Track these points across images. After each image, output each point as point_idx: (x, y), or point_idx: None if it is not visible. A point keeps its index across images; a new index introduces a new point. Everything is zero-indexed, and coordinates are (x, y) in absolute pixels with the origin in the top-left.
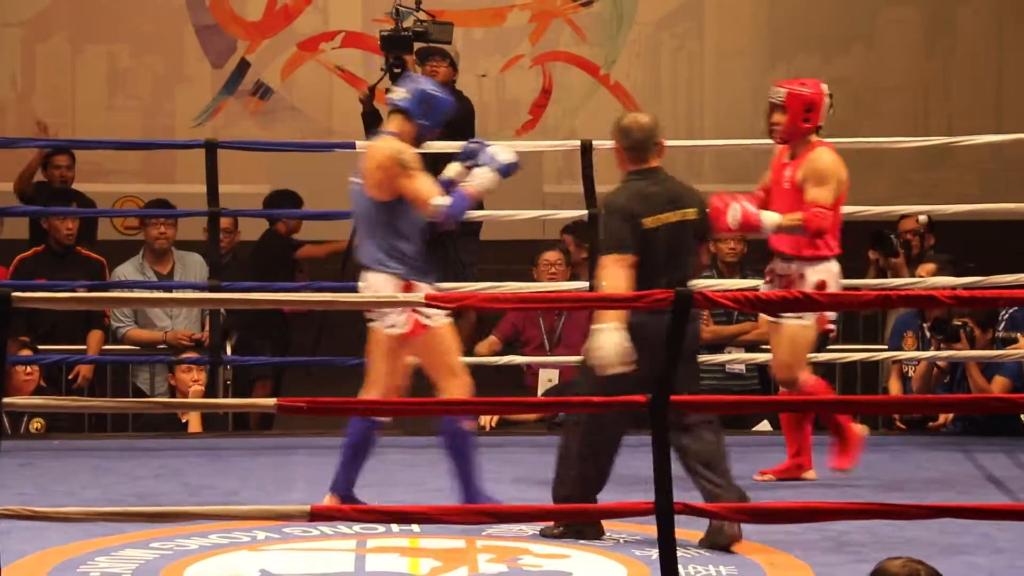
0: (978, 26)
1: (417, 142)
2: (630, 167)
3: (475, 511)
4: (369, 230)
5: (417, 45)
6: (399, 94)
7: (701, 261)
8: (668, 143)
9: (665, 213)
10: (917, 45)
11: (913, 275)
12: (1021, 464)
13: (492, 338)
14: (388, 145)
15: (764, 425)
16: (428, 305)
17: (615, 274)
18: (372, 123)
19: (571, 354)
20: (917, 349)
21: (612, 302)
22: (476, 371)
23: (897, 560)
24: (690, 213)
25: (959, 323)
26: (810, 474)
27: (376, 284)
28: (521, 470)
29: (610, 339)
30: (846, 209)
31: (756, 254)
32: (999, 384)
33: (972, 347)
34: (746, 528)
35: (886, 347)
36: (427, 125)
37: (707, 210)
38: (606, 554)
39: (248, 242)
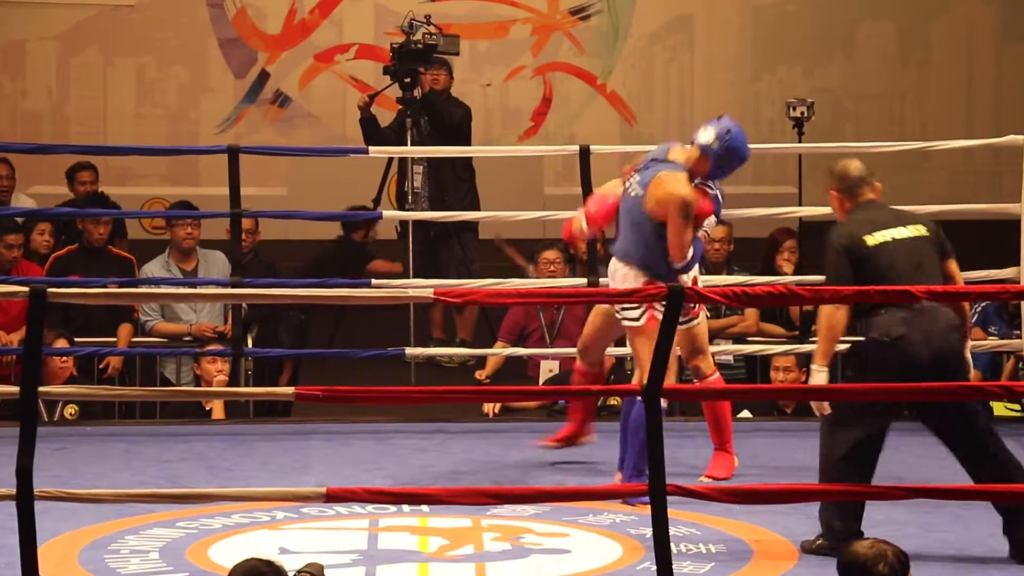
0: (951, 39)
1: (696, 180)
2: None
3: (480, 493)
4: (632, 226)
5: None
6: (707, 136)
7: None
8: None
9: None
10: (894, 56)
11: None
12: None
13: (500, 343)
14: (682, 188)
15: (745, 413)
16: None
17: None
18: (369, 129)
19: (570, 345)
20: None
21: (609, 297)
22: (483, 361)
23: (866, 541)
24: (922, 230)
25: None
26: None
27: (623, 275)
28: (523, 454)
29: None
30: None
31: (743, 252)
32: (972, 377)
33: None
34: (734, 508)
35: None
36: (716, 174)
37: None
38: (603, 532)
39: (268, 241)
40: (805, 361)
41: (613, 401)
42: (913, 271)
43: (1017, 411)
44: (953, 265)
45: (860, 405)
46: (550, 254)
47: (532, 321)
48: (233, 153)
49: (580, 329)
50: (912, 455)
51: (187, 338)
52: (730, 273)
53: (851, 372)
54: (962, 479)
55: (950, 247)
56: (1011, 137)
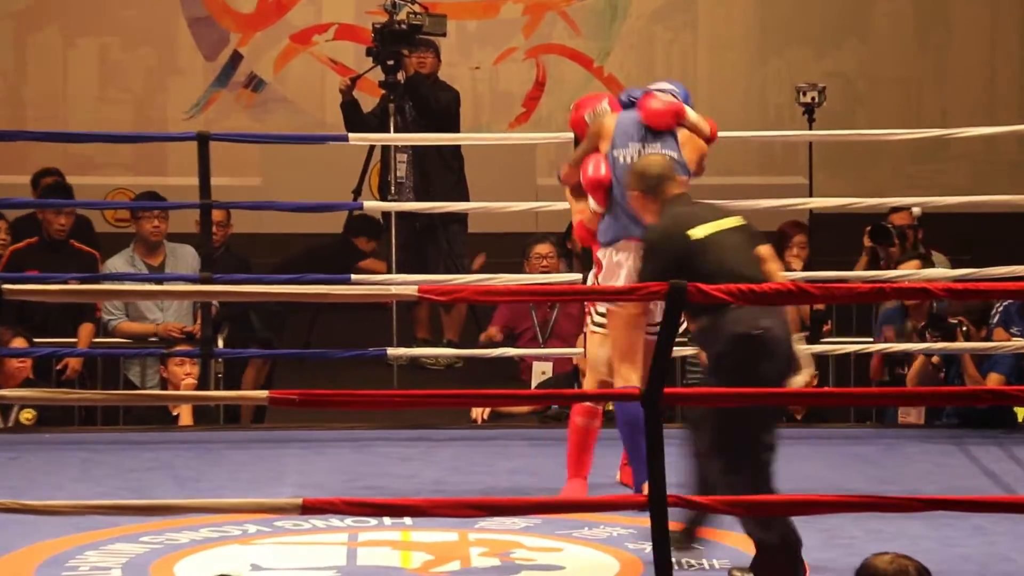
0: (971, 19)
1: None
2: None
3: (467, 504)
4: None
5: None
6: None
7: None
8: None
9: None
10: (911, 38)
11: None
12: (1015, 457)
13: (492, 329)
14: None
15: None
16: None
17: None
18: (351, 114)
19: (564, 346)
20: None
21: (605, 295)
22: (471, 363)
23: (885, 556)
24: (740, 220)
25: (955, 321)
26: None
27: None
28: (514, 463)
29: None
30: (840, 201)
31: None
32: (994, 381)
33: None
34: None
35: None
36: None
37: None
38: (599, 547)
39: (240, 235)
40: (817, 363)
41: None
42: (746, 262)
43: None
44: (766, 249)
45: (744, 412)
46: (542, 248)
47: (523, 320)
48: (203, 140)
49: (575, 329)
50: (931, 463)
51: (153, 338)
52: None
53: (710, 376)
54: (984, 489)
55: (761, 236)
56: None
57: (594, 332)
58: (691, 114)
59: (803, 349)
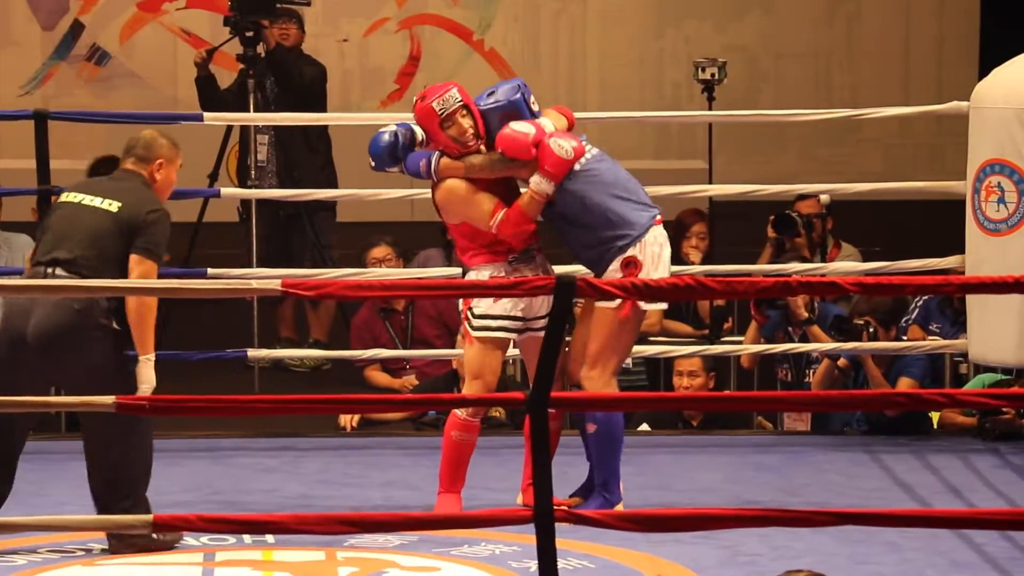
0: None
1: None
2: None
3: (335, 520)
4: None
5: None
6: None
7: None
8: None
9: None
10: (818, 9)
11: (822, 260)
12: (930, 466)
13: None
14: None
15: (644, 426)
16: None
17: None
18: (207, 90)
19: (427, 348)
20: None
21: (486, 289)
22: (339, 365)
23: (800, 573)
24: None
25: (860, 322)
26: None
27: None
28: (387, 475)
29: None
30: (742, 188)
31: None
32: (905, 386)
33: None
34: (633, 536)
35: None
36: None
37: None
38: (479, 566)
39: None
40: (713, 364)
41: (495, 412)
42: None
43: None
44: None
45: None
46: (378, 251)
47: (377, 327)
48: (40, 119)
49: (436, 331)
50: (839, 474)
51: None
52: None
53: None
54: (898, 502)
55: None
56: (954, 103)
57: (474, 336)
58: (547, 125)
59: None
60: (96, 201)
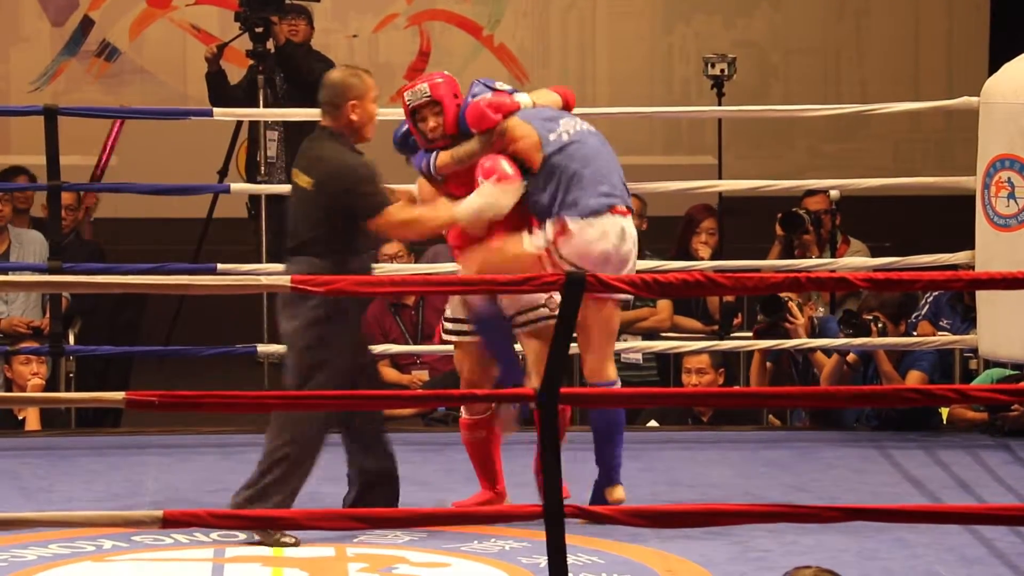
0: None
1: None
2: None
3: (345, 516)
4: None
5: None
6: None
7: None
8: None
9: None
10: (828, 5)
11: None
12: (940, 461)
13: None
14: None
15: (654, 423)
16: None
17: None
18: (217, 86)
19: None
20: None
21: (498, 285)
22: None
23: (808, 569)
24: (300, 176)
25: (869, 317)
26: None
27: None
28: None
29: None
30: (752, 184)
31: (653, 232)
32: (914, 379)
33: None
34: (643, 532)
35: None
36: None
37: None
38: (490, 562)
39: (94, 220)
40: (722, 360)
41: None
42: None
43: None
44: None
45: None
46: (389, 247)
47: (387, 322)
48: (51, 115)
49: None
50: (849, 470)
51: None
52: (640, 257)
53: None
54: (908, 498)
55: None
56: (964, 99)
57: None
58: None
59: None
60: (300, 178)
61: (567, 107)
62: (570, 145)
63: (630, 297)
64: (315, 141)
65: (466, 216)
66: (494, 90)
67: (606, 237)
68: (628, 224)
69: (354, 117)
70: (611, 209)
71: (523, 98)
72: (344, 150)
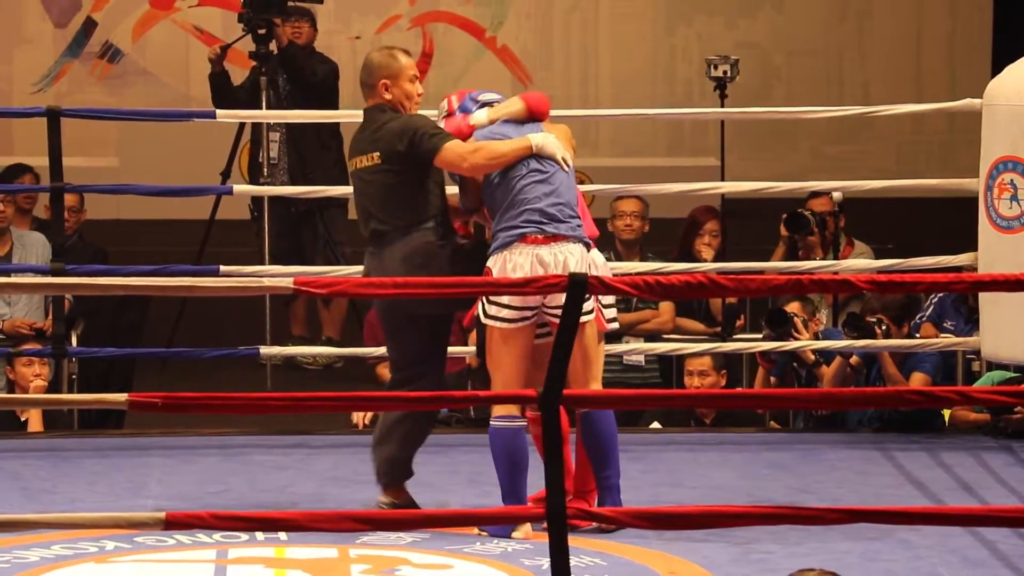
0: None
1: None
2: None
3: (348, 517)
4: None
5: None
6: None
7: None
8: (560, 113)
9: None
10: (831, 6)
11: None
12: (943, 463)
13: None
14: None
15: (656, 424)
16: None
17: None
18: (220, 87)
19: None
20: None
21: (501, 287)
22: (352, 363)
23: (810, 571)
24: (363, 160)
25: (873, 319)
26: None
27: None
28: None
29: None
30: (755, 185)
31: (656, 234)
32: (917, 381)
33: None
34: (645, 534)
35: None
36: None
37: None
38: (492, 563)
39: (96, 221)
40: (724, 362)
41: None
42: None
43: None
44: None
45: None
46: None
47: None
48: (53, 116)
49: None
50: (852, 472)
51: None
52: (643, 259)
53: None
54: (911, 500)
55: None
56: (967, 101)
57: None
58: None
59: None
60: (361, 161)
61: (537, 117)
62: (508, 170)
63: (615, 325)
64: (366, 123)
65: (539, 142)
66: (464, 111)
67: (519, 270)
68: (549, 251)
69: (388, 96)
70: (523, 239)
71: (479, 117)
72: (395, 115)
